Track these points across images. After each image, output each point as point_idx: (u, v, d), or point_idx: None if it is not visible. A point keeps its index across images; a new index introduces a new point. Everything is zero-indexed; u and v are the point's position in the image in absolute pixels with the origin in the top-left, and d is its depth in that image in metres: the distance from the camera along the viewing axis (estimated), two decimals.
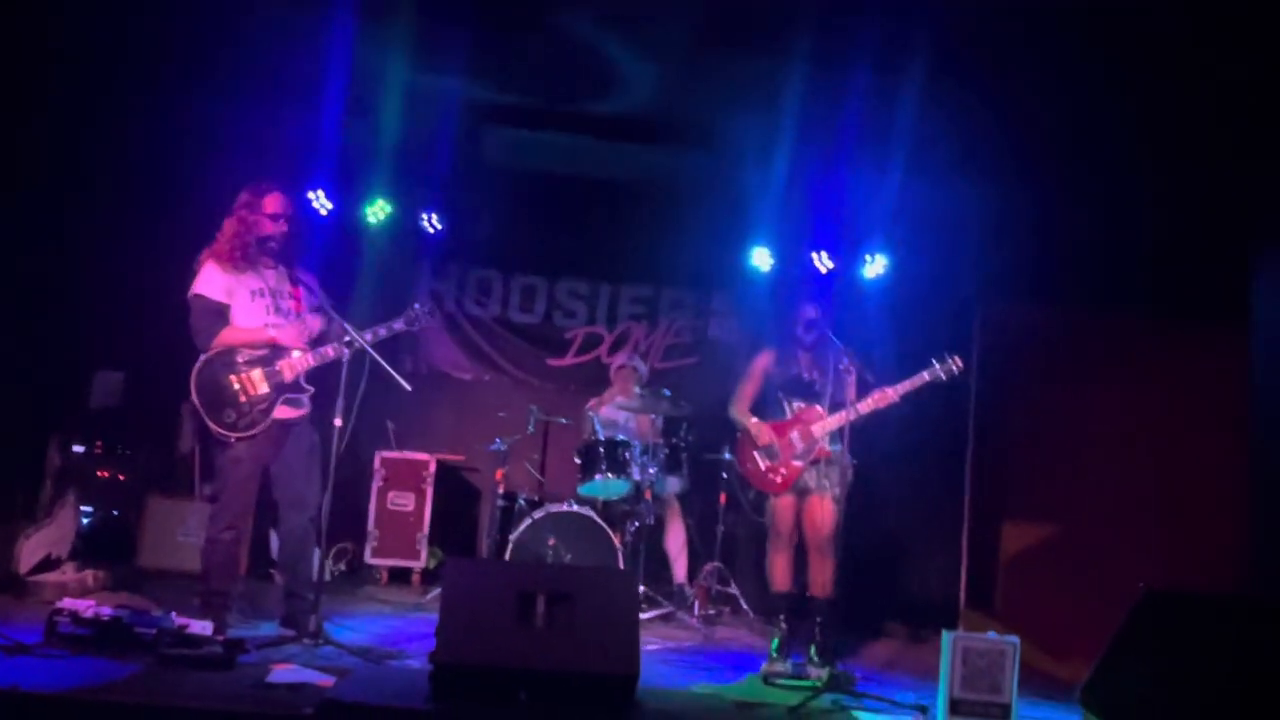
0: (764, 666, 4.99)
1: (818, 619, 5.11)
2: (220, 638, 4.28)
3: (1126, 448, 6.36)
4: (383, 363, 4.70)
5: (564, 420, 7.06)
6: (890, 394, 5.12)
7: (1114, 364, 6.48)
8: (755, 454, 5.38)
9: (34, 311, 6.13)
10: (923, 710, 4.34)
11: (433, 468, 7.06)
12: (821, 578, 5.17)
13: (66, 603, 4.28)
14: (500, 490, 6.58)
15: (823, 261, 7.13)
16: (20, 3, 5.35)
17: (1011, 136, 5.90)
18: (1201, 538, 6.06)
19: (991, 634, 4.25)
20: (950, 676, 4.16)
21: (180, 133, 6.38)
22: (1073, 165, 6.04)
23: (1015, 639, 4.18)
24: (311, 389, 4.81)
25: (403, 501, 6.99)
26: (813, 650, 5.04)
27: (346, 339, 4.71)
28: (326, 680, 3.94)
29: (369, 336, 4.73)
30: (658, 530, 6.62)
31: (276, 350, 4.71)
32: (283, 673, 4.01)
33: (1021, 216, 6.44)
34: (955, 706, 4.15)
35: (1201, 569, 5.91)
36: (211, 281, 4.67)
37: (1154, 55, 5.14)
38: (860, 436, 5.09)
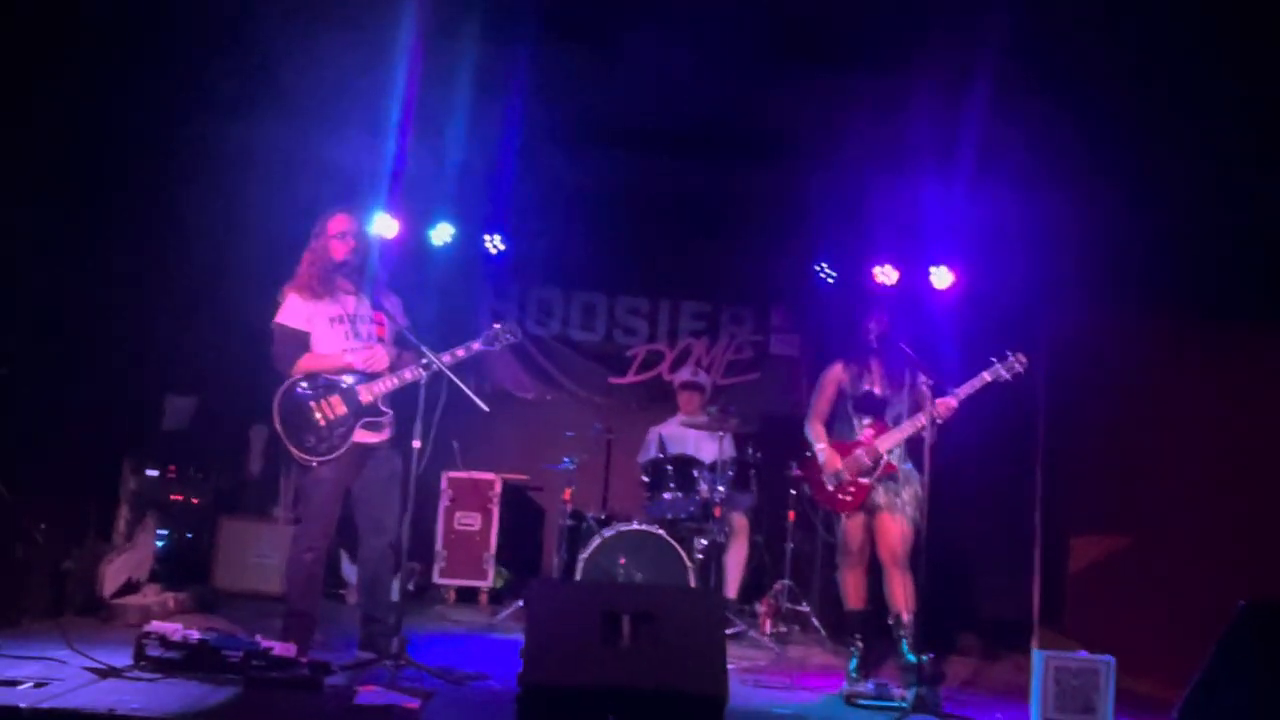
0: (845, 687, 4.93)
1: (902, 635, 5.00)
2: (305, 660, 4.31)
3: (1203, 456, 6.21)
4: (462, 385, 4.72)
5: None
6: (951, 402, 5.01)
7: (1189, 371, 6.33)
8: (823, 478, 5.31)
9: (106, 338, 6.23)
10: None
11: (498, 487, 7.07)
12: (904, 596, 5.06)
13: (154, 626, 4.31)
14: (568, 509, 6.58)
15: (886, 274, 7.08)
16: (90, 30, 5.47)
17: (1081, 145, 5.81)
18: None
19: (1083, 653, 4.17)
20: (1042, 696, 4.10)
21: (247, 157, 6.47)
22: (1146, 170, 5.94)
23: (1110, 658, 4.10)
24: (390, 412, 4.84)
25: (469, 521, 7.00)
26: (910, 654, 4.91)
27: (424, 361, 4.74)
28: (412, 703, 3.94)
29: (448, 358, 4.76)
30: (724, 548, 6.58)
31: (354, 375, 4.76)
32: (369, 694, 4.01)
33: (1092, 223, 6.33)
34: None
35: None
36: (292, 311, 4.79)
37: (1226, 57, 5.06)
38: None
